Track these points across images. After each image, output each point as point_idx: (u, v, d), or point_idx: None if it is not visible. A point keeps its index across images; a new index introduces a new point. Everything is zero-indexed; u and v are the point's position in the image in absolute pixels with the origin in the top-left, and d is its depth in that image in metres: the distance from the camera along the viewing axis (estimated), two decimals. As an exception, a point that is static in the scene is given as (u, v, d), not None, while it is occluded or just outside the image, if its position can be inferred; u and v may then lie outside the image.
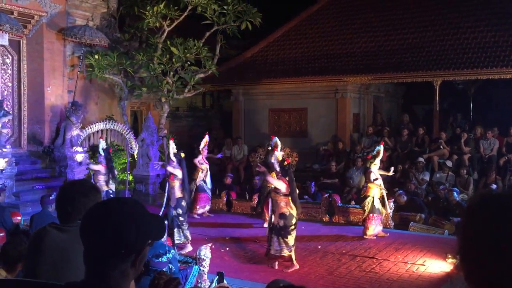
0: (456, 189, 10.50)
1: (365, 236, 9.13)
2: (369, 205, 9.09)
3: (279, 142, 9.65)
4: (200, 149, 11.24)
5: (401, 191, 10.58)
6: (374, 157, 9.26)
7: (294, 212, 7.39)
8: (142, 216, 1.52)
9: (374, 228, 9.14)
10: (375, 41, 14.49)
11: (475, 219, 1.15)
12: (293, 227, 7.35)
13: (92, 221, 1.51)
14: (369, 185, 9.22)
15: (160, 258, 5.30)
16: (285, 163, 7.60)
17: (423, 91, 14.56)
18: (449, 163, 11.81)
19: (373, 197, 9.10)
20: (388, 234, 9.28)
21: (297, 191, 7.72)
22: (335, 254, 8.16)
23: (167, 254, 5.43)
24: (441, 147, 12.38)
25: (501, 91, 14.47)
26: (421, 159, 11.97)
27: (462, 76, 12.76)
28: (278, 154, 8.74)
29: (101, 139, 10.93)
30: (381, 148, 9.39)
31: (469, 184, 11.26)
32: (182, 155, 9.11)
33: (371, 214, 9.10)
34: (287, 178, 7.41)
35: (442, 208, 10.35)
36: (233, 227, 10.23)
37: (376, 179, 9.15)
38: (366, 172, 9.42)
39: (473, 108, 15.58)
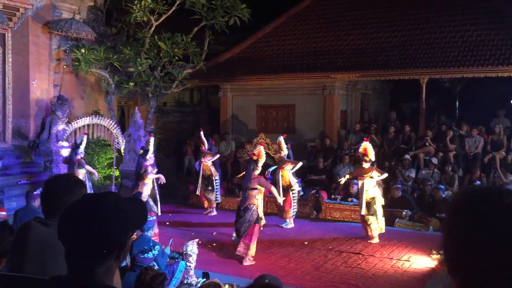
0: (442, 186, 10.60)
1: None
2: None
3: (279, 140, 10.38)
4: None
5: (398, 186, 10.67)
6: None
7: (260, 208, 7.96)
8: (122, 210, 1.49)
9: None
10: (363, 38, 14.55)
11: (460, 215, 1.16)
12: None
13: (70, 221, 1.47)
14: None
15: (146, 254, 5.28)
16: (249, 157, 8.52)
17: (410, 88, 14.66)
18: (434, 160, 11.94)
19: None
20: None
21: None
22: (322, 250, 8.21)
23: (153, 251, 5.41)
24: (427, 144, 12.50)
25: (486, 90, 14.63)
26: (407, 156, 12.07)
27: (449, 74, 12.87)
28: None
29: (85, 135, 10.80)
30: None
31: (454, 181, 11.40)
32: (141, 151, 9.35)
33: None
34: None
35: (427, 205, 10.46)
36: (220, 222, 10.23)
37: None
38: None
39: (458, 106, 15.74)
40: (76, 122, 12.41)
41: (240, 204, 7.91)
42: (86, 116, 12.69)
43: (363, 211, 8.76)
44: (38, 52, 11.99)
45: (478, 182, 11.05)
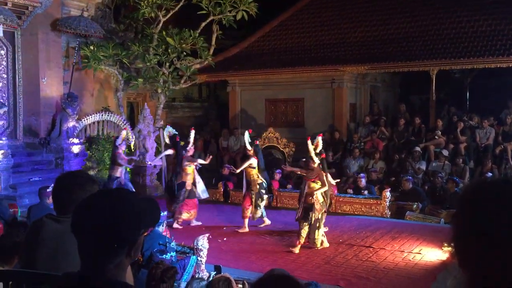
0: (457, 179, 10.51)
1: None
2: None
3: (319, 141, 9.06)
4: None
5: (409, 177, 10.65)
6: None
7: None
8: (134, 207, 1.51)
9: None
10: (372, 30, 14.46)
11: (468, 207, 1.16)
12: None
13: (83, 216, 1.50)
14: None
15: (164, 255, 5.29)
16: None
17: (420, 80, 14.56)
18: (445, 152, 11.85)
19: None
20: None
21: None
22: (332, 244, 8.20)
23: (171, 252, 5.41)
24: (436, 137, 12.41)
25: (497, 80, 14.48)
26: (417, 148, 12.00)
27: (459, 65, 12.75)
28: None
29: (125, 130, 11.16)
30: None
31: (465, 173, 11.30)
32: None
33: None
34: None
35: (438, 197, 10.40)
36: (230, 217, 10.26)
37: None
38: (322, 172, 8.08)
39: (469, 97, 15.60)
40: (86, 119, 12.50)
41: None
42: (96, 113, 12.77)
43: (298, 215, 7.85)
44: (47, 50, 12.07)
45: (490, 174, 10.96)
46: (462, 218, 1.16)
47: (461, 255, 1.16)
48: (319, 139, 8.30)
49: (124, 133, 10.77)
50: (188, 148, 9.71)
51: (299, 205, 8.05)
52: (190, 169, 9.60)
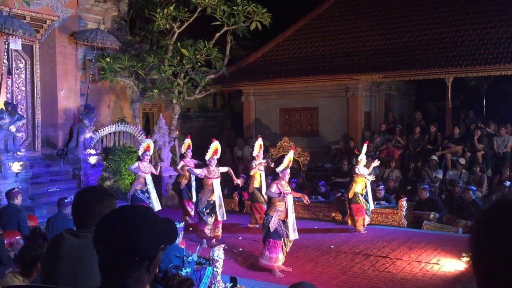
0: (473, 187, 10.38)
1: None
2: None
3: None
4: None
5: (426, 186, 10.54)
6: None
7: None
8: (153, 222, 1.55)
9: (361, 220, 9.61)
10: (386, 38, 14.41)
11: (488, 229, 1.13)
12: None
13: (104, 230, 1.54)
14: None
15: (179, 271, 5.30)
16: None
17: (435, 88, 14.46)
18: (462, 161, 11.72)
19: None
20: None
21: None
22: (348, 254, 8.15)
23: (187, 269, 5.42)
24: (449, 146, 12.27)
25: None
26: (434, 157, 11.89)
27: (475, 72, 12.63)
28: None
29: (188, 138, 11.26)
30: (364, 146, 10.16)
31: (483, 182, 11.16)
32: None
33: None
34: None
35: (456, 206, 10.27)
36: (245, 227, 10.26)
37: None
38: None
39: (486, 105, 15.43)
40: (103, 130, 12.66)
41: None
42: (113, 124, 12.93)
43: (296, 235, 7.40)
44: (65, 62, 12.27)
45: (508, 183, 10.80)
46: (481, 239, 1.14)
47: (478, 275, 1.15)
48: (365, 146, 10.18)
49: (188, 141, 11.14)
50: (254, 155, 10.36)
51: (284, 225, 7.31)
52: (257, 174, 10.13)
